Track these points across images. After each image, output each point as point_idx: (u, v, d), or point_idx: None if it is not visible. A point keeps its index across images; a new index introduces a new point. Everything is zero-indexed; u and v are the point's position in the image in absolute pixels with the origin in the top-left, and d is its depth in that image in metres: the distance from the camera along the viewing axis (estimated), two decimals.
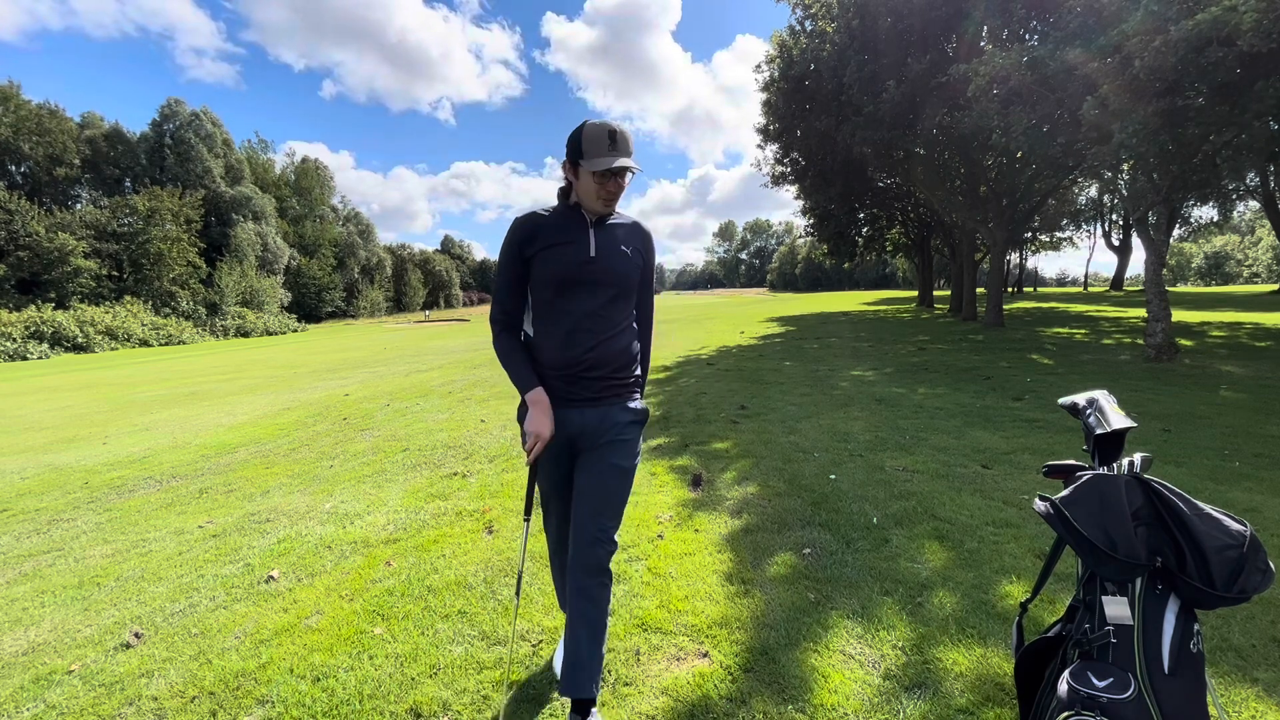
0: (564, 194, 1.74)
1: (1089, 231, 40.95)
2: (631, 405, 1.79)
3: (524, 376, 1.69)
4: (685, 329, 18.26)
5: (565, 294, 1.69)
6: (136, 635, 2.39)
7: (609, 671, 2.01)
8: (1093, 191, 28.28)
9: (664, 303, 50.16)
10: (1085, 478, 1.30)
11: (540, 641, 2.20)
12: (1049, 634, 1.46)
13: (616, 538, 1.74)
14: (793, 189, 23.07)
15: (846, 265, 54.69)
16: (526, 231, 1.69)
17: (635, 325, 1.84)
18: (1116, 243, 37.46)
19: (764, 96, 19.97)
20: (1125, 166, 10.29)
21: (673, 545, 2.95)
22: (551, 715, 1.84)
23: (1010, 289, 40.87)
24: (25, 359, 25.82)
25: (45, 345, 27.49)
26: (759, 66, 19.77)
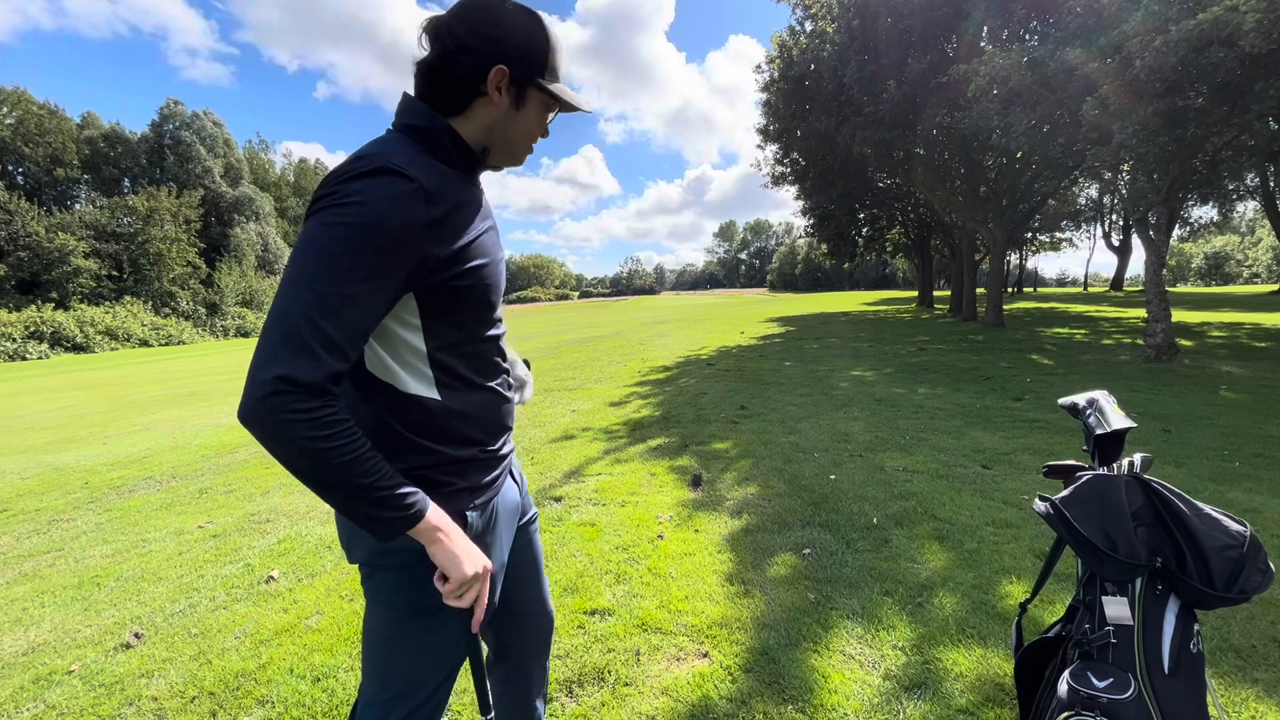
0: (450, 136, 0.93)
1: (1089, 232, 41.02)
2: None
3: (401, 484, 0.86)
4: (685, 329, 18.25)
5: (494, 318, 1.04)
6: (136, 635, 2.39)
7: (609, 672, 2.01)
8: (1093, 192, 28.31)
9: (664, 303, 50.17)
10: (1085, 478, 1.30)
11: None
12: (1049, 634, 1.46)
13: None
14: (793, 189, 23.09)
15: (846, 265, 54.75)
16: (425, 211, 0.85)
17: None
18: (1116, 243, 37.48)
19: (764, 97, 19.98)
20: (1125, 167, 10.29)
21: (673, 545, 2.95)
22: (551, 716, 1.84)
23: (1010, 289, 40.88)
24: (25, 359, 25.83)
25: (45, 345, 27.49)
26: (759, 67, 19.79)
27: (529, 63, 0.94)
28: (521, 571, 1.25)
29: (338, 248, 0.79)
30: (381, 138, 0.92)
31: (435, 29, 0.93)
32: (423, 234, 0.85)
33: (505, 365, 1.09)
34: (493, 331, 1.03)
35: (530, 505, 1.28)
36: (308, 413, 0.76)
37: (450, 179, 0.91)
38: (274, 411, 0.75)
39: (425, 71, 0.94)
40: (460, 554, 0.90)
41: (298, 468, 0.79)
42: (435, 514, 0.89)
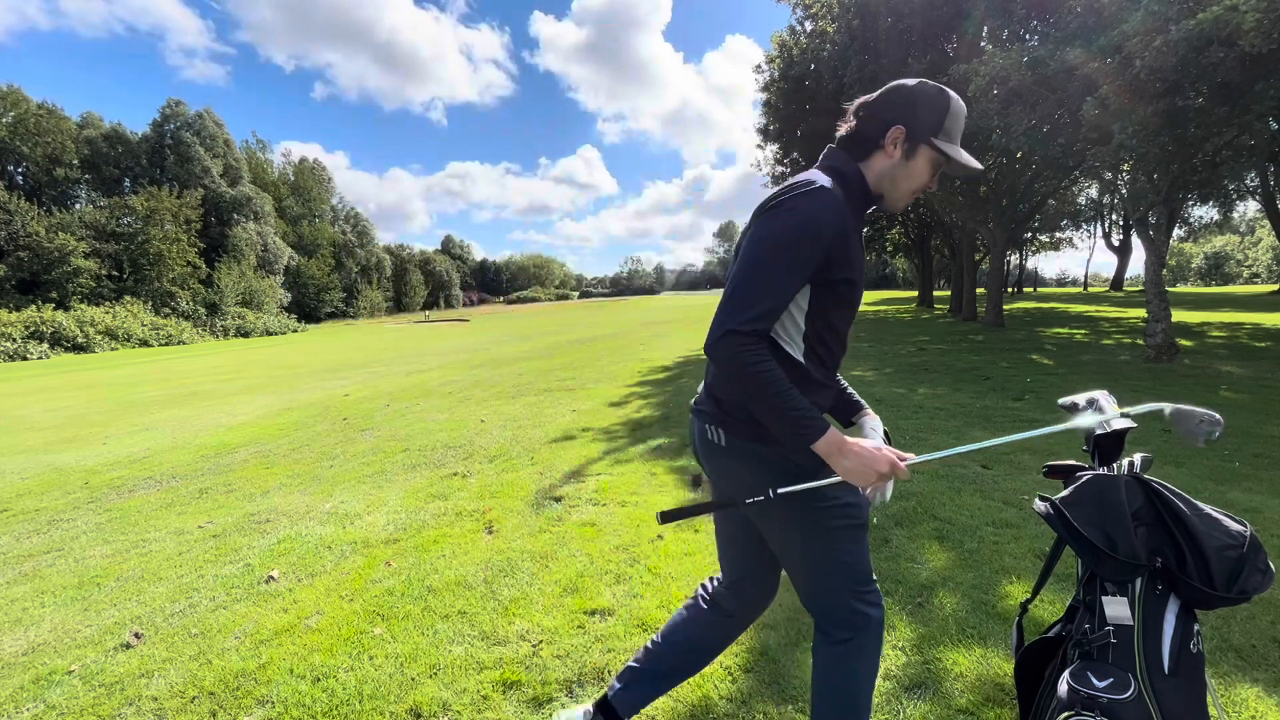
0: (858, 178, 1.26)
1: (1089, 232, 40.92)
2: None
3: (810, 408, 1.17)
4: (685, 329, 18.25)
5: (848, 323, 1.35)
6: (136, 635, 2.39)
7: (609, 672, 2.01)
8: (1093, 192, 28.23)
9: (664, 303, 50.14)
10: (1085, 478, 1.30)
11: (540, 642, 2.20)
12: (1049, 634, 1.46)
13: None
14: None
15: None
16: (841, 224, 1.19)
17: None
18: (1116, 243, 37.45)
19: (764, 97, 20.02)
20: (1125, 167, 10.28)
21: (673, 545, 2.95)
22: (551, 715, 1.84)
23: (1010, 289, 40.85)
24: (25, 359, 25.79)
25: (45, 345, 27.44)
26: (759, 67, 19.84)
27: (925, 125, 1.20)
28: None
29: (780, 242, 1.15)
30: (811, 171, 1.24)
31: (858, 105, 1.27)
32: (832, 239, 1.16)
33: (837, 369, 1.38)
34: (844, 329, 1.33)
35: None
36: (742, 348, 1.12)
37: (850, 210, 1.22)
38: (722, 349, 1.14)
39: (847, 133, 1.27)
40: (863, 463, 1.14)
41: (739, 386, 1.16)
42: (833, 434, 1.15)
